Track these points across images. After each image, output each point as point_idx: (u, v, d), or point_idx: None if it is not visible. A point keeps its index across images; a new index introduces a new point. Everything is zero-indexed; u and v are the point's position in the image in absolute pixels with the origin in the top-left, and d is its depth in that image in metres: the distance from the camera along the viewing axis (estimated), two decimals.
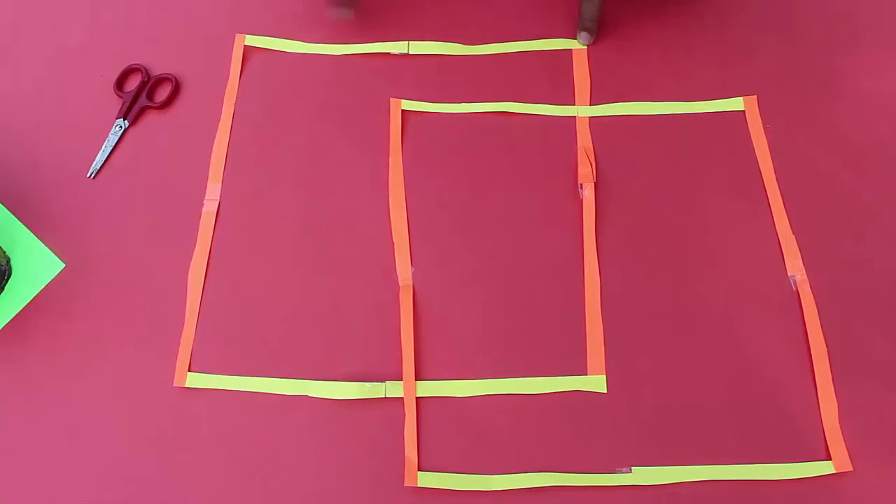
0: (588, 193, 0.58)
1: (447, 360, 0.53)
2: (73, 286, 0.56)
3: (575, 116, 0.62)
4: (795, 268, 0.56)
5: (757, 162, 0.59)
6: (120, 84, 0.64)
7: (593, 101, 0.62)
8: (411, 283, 0.56)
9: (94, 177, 0.60)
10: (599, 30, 0.65)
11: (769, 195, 0.58)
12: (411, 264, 0.56)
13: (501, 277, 0.56)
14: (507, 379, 0.53)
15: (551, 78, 0.64)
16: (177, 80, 0.64)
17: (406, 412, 0.51)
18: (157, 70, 0.65)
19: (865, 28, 0.65)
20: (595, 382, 0.52)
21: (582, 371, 0.53)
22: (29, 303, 0.56)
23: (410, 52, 0.65)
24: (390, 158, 0.60)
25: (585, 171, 0.59)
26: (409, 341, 0.53)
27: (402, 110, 0.62)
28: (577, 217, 0.58)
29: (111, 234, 0.58)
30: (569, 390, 0.52)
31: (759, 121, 0.61)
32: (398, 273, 0.56)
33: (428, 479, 0.50)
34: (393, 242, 0.57)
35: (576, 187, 0.59)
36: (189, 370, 0.53)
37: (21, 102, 0.64)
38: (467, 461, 0.50)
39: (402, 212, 0.58)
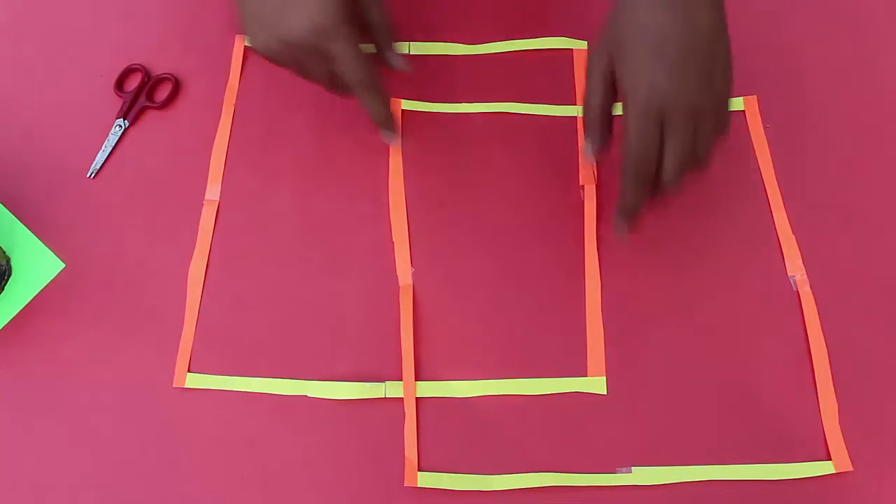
0: (589, 195, 0.58)
1: (447, 360, 0.53)
2: (73, 286, 0.56)
3: (576, 116, 0.62)
4: (795, 268, 0.56)
5: (757, 162, 0.59)
6: (120, 84, 0.64)
7: None
8: (411, 282, 0.56)
9: (94, 177, 0.60)
10: None
11: (769, 195, 0.58)
12: (411, 264, 0.56)
13: (502, 278, 0.56)
14: (507, 380, 0.53)
15: (552, 77, 0.64)
16: (177, 80, 0.64)
17: (406, 412, 0.51)
18: (157, 70, 0.65)
19: (866, 28, 0.65)
20: (595, 384, 0.52)
21: (582, 372, 0.53)
22: (29, 303, 0.56)
23: (411, 53, 0.65)
24: (390, 158, 0.60)
25: (587, 173, 0.59)
26: (409, 341, 0.53)
27: (402, 110, 0.62)
28: (578, 217, 0.58)
29: (111, 234, 0.58)
30: (569, 392, 0.52)
31: (759, 121, 0.61)
32: (398, 273, 0.56)
33: (428, 480, 0.50)
34: (393, 242, 0.57)
35: (576, 187, 0.59)
36: (188, 370, 0.53)
37: (21, 102, 0.64)
38: (467, 461, 0.50)
39: (402, 212, 0.58)
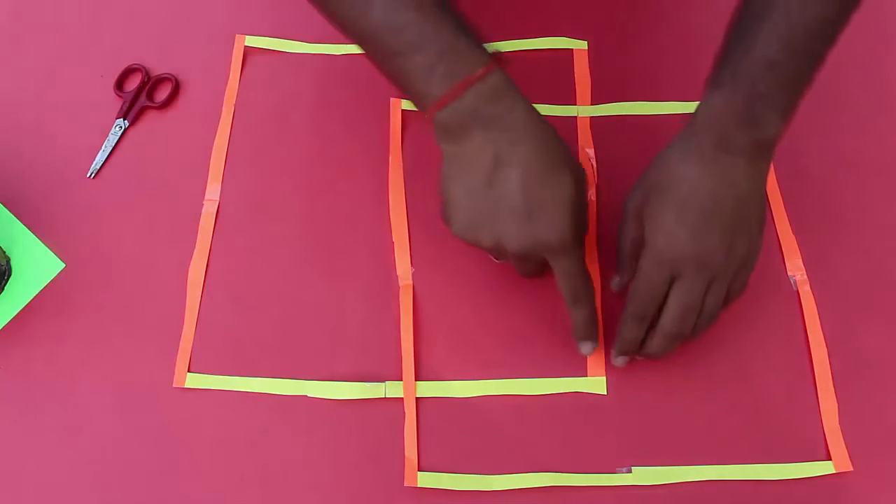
0: (590, 195, 0.58)
1: (447, 360, 0.53)
2: (73, 286, 0.56)
3: (576, 116, 0.62)
4: (795, 268, 0.56)
5: None
6: (120, 84, 0.64)
7: (594, 101, 0.62)
8: (411, 282, 0.56)
9: (94, 177, 0.60)
10: (603, 35, 0.65)
11: (769, 195, 0.58)
12: (411, 264, 0.56)
13: (502, 277, 0.56)
14: (508, 380, 0.53)
15: (552, 77, 0.63)
16: (177, 80, 0.64)
17: (406, 412, 0.51)
18: (157, 70, 0.65)
19: (865, 28, 0.65)
20: (595, 384, 0.52)
21: (582, 372, 0.53)
22: (29, 303, 0.56)
23: None
24: (390, 158, 0.60)
25: (587, 173, 0.59)
26: (409, 341, 0.53)
27: (402, 110, 0.62)
28: None
29: (111, 234, 0.58)
30: (569, 392, 0.52)
31: None
32: (398, 273, 0.56)
33: (428, 480, 0.50)
34: (393, 242, 0.57)
35: None
36: (188, 370, 0.53)
37: (21, 102, 0.64)
38: (467, 461, 0.50)
39: (402, 211, 0.58)
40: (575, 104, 0.62)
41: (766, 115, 0.46)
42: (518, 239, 0.46)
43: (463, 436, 0.51)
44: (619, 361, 0.51)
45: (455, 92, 0.44)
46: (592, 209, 0.57)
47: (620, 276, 0.52)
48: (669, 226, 0.47)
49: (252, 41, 0.66)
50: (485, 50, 0.46)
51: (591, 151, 0.60)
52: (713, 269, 0.47)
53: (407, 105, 0.62)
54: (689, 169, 0.47)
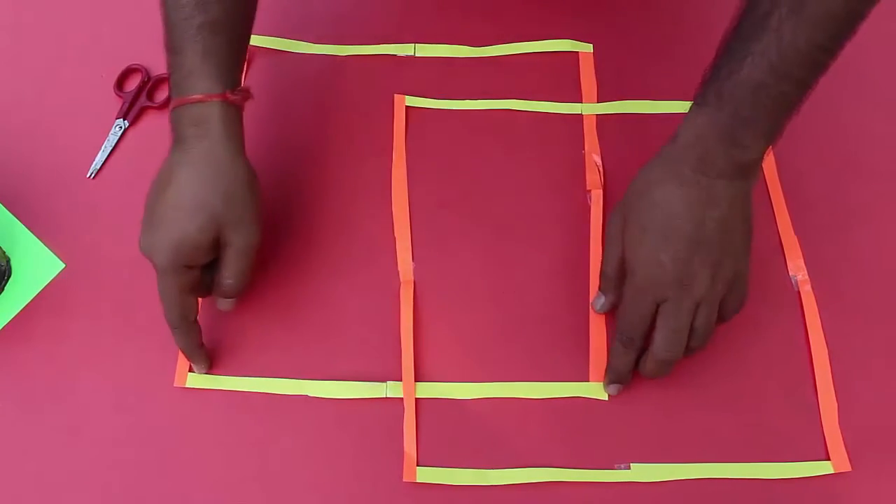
0: (596, 199, 0.58)
1: (447, 361, 0.53)
2: (73, 286, 0.56)
3: (580, 114, 0.62)
4: (797, 268, 0.56)
5: None
6: (120, 84, 0.64)
7: (600, 101, 0.62)
8: (412, 279, 0.56)
9: (94, 177, 0.60)
10: (608, 37, 0.65)
11: (771, 195, 0.58)
12: (412, 260, 0.56)
13: (504, 279, 0.56)
14: (508, 383, 0.52)
15: (556, 79, 0.63)
16: None
17: (405, 408, 0.51)
18: (157, 70, 0.65)
19: (864, 28, 0.65)
20: (596, 389, 0.52)
21: (584, 377, 0.52)
22: (29, 303, 0.56)
23: (416, 55, 0.65)
24: (394, 155, 0.60)
25: (594, 178, 0.59)
26: (409, 339, 0.53)
27: (406, 107, 0.62)
28: (582, 217, 0.57)
29: (111, 234, 0.58)
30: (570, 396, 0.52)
31: None
32: (399, 270, 0.56)
33: (426, 475, 0.50)
34: (395, 241, 0.57)
35: (580, 187, 0.59)
36: (189, 370, 0.53)
37: (21, 102, 0.64)
38: (466, 457, 0.50)
39: (405, 210, 0.58)
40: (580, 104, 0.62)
41: (748, 138, 0.45)
42: (140, 242, 0.49)
43: (462, 433, 0.51)
44: (612, 390, 0.51)
45: (176, 103, 0.50)
46: (598, 213, 0.57)
47: (606, 298, 0.52)
48: (650, 252, 0.47)
49: (256, 41, 0.65)
50: (221, 82, 0.49)
51: (598, 158, 0.59)
52: (698, 293, 0.46)
53: (411, 101, 0.62)
54: (668, 193, 0.46)
